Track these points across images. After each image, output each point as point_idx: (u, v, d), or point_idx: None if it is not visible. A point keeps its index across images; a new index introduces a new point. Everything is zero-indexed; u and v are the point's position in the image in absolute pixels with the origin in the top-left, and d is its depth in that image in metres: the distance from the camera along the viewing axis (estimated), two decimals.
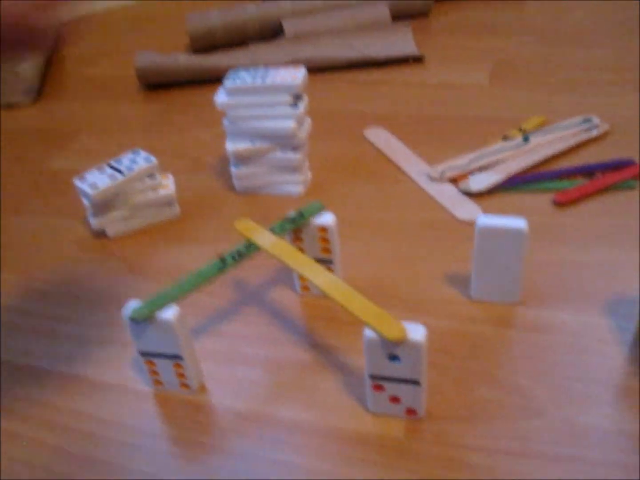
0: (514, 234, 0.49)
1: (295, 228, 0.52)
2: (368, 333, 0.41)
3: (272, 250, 0.49)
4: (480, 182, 0.66)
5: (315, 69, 0.94)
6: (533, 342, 0.50)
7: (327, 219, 0.52)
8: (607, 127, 0.73)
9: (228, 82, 0.64)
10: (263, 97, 0.64)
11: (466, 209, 0.64)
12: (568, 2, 1.07)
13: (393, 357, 0.42)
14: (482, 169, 0.69)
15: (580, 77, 0.85)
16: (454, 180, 0.68)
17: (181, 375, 0.48)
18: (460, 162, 0.70)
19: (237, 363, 0.52)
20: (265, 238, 0.50)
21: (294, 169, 0.68)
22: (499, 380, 0.48)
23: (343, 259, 0.56)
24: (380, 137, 0.77)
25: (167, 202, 0.68)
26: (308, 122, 0.68)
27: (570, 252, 0.58)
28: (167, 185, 0.67)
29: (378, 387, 0.44)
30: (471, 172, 0.68)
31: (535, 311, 0.53)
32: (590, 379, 0.47)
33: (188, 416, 0.48)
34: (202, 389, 0.50)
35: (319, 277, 0.46)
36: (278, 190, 0.70)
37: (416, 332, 0.41)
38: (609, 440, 0.43)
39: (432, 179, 0.69)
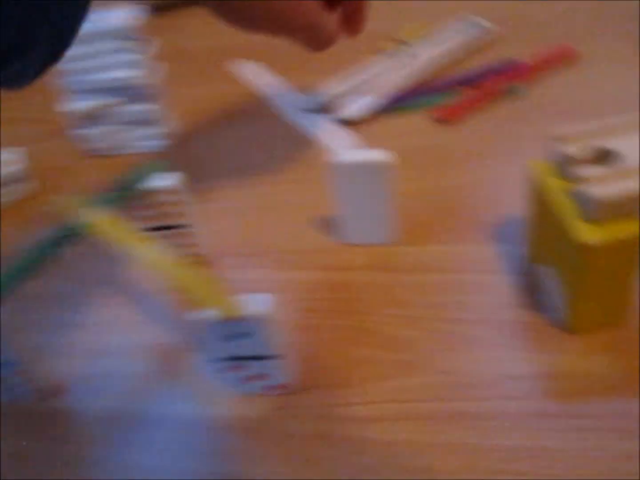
0: (377, 168, 0.43)
1: (131, 196, 0.45)
2: (204, 313, 0.36)
3: (99, 228, 0.42)
4: (358, 107, 0.60)
5: (171, 5, 0.85)
6: (413, 285, 0.45)
7: (168, 180, 0.45)
8: (496, 30, 0.67)
9: None
10: (99, 44, 0.56)
11: (346, 143, 0.57)
12: None
13: (240, 335, 0.36)
14: (362, 91, 0.62)
15: None
16: (331, 109, 0.61)
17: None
18: (338, 87, 0.63)
19: (96, 355, 0.46)
20: (92, 215, 0.43)
21: (150, 122, 0.60)
22: (376, 335, 0.43)
23: (205, 219, 0.49)
24: (251, 71, 0.70)
25: (17, 179, 0.60)
26: (159, 67, 0.60)
27: (453, 176, 0.53)
28: (14, 160, 0.59)
29: (235, 368, 0.39)
30: (349, 97, 0.62)
31: (415, 249, 0.47)
32: (474, 319, 0.42)
33: (38, 425, 0.42)
34: (58, 389, 0.44)
35: (146, 254, 0.39)
36: (139, 147, 0.62)
37: (260, 304, 0.35)
38: (499, 387, 0.39)
39: (309, 110, 0.62)
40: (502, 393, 0.38)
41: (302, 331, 0.43)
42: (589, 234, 0.35)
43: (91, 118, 0.60)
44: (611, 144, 0.38)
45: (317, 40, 0.46)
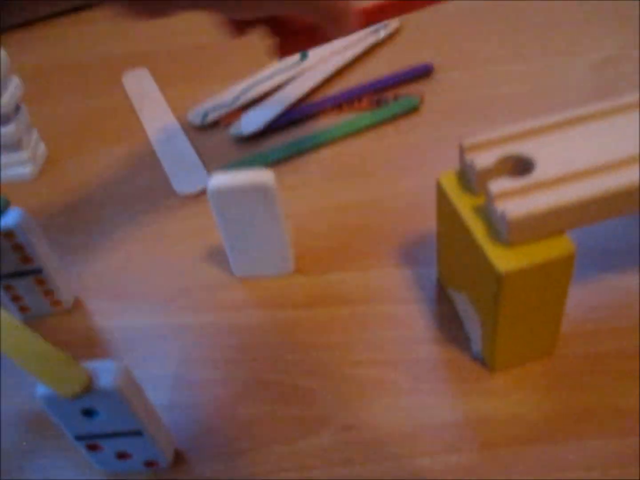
0: (259, 191, 0.36)
1: None
2: (41, 389, 0.28)
3: None
4: (252, 121, 0.53)
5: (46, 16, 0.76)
6: (313, 323, 0.39)
7: (10, 220, 0.37)
8: (396, 25, 0.61)
9: None
10: None
11: (189, 179, 0.50)
12: None
13: (88, 412, 0.29)
14: (253, 103, 0.55)
15: None
16: (222, 124, 0.55)
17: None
18: (227, 97, 0.56)
19: None
20: None
21: (12, 146, 0.52)
22: (270, 387, 0.36)
23: (78, 256, 0.42)
24: (138, 82, 0.62)
25: None
26: (14, 83, 0.52)
27: (350, 191, 0.46)
28: None
29: (94, 447, 0.32)
30: (243, 109, 0.55)
31: (313, 279, 0.41)
32: (383, 360, 0.36)
33: None
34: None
35: None
36: (4, 176, 0.54)
37: (107, 374, 0.28)
38: (414, 442, 0.33)
39: (193, 125, 0.55)
40: (419, 448, 0.32)
41: (185, 387, 0.37)
42: (503, 258, 0.30)
43: None
44: (526, 150, 0.32)
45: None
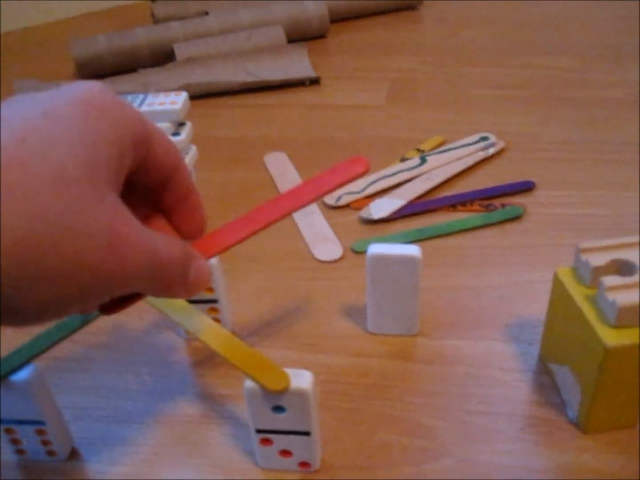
0: (407, 262, 0.46)
1: None
2: (248, 384, 0.37)
3: None
4: (381, 208, 0.63)
5: (209, 94, 0.90)
6: (434, 376, 0.47)
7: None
8: (503, 145, 0.72)
9: None
10: None
11: (326, 248, 0.60)
12: (462, 23, 1.08)
13: (278, 408, 0.38)
14: (380, 193, 0.66)
15: (475, 96, 0.85)
16: (352, 207, 0.65)
17: (46, 442, 0.43)
18: (357, 186, 0.67)
19: (113, 421, 0.46)
20: None
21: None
22: (399, 421, 0.44)
23: (230, 297, 0.51)
24: (277, 162, 0.74)
25: None
26: (193, 150, 0.63)
27: (468, 278, 0.56)
28: None
29: (266, 441, 0.40)
30: (371, 197, 0.65)
31: (434, 342, 0.50)
32: (493, 412, 0.44)
33: None
34: (74, 454, 0.44)
35: (194, 322, 0.41)
36: None
37: (301, 379, 0.37)
38: (514, 478, 0.40)
39: (328, 205, 0.65)
40: None
41: (326, 412, 0.45)
42: (610, 337, 0.38)
43: None
44: (629, 256, 0.41)
45: (173, 279, 0.31)
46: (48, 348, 0.41)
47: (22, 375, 0.39)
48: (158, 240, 0.29)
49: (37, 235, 0.24)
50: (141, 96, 0.61)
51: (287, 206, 0.37)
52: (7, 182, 0.23)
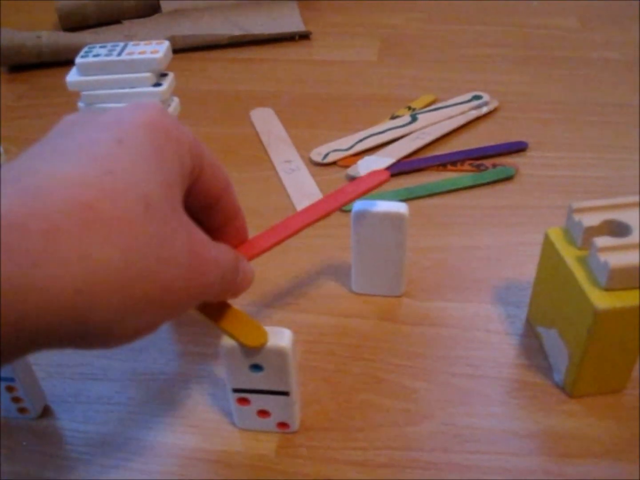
0: (393, 219, 0.44)
1: None
2: (225, 341, 0.36)
3: None
4: (369, 166, 0.61)
5: (195, 47, 0.87)
6: (419, 338, 0.46)
7: None
8: (496, 104, 0.70)
9: (80, 59, 0.57)
10: (121, 74, 0.57)
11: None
12: None
13: (255, 367, 0.36)
14: (369, 151, 0.64)
15: (468, 55, 0.82)
16: (339, 164, 0.63)
17: (16, 399, 0.41)
18: (344, 143, 0.65)
19: (87, 378, 0.45)
20: None
21: None
22: (381, 383, 0.43)
23: None
24: (264, 118, 0.71)
25: None
26: (176, 102, 0.61)
27: (456, 239, 0.54)
28: None
29: (243, 401, 0.39)
30: (359, 155, 0.64)
31: (420, 303, 0.48)
32: (479, 375, 0.43)
33: (29, 447, 0.41)
34: (46, 411, 0.43)
35: None
36: None
37: (280, 337, 0.36)
38: (500, 443, 0.39)
39: (314, 162, 0.63)
40: (502, 449, 0.39)
41: (307, 372, 0.44)
42: (601, 299, 0.37)
43: None
44: (623, 217, 0.40)
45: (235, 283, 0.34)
46: None
47: None
48: (220, 251, 0.31)
49: (133, 267, 0.25)
50: (121, 44, 0.58)
51: (316, 214, 0.42)
52: (103, 216, 0.24)
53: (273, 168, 0.64)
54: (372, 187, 0.43)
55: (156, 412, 0.42)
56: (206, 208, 0.33)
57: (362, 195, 0.43)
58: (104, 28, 0.92)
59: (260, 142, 0.68)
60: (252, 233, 0.55)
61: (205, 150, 0.31)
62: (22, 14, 1.04)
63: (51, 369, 0.45)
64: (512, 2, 0.96)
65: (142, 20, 0.93)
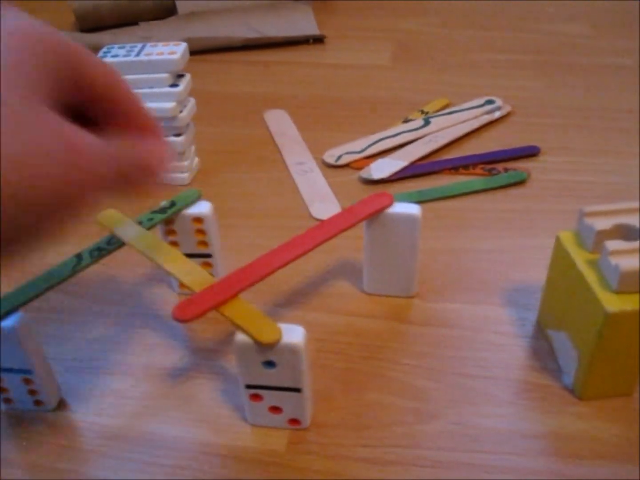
0: (407, 220, 0.45)
1: (167, 219, 0.46)
2: (239, 337, 0.36)
3: (137, 244, 0.43)
4: (382, 168, 0.62)
5: (211, 49, 0.88)
6: (429, 338, 0.46)
7: (203, 208, 0.47)
8: (508, 109, 0.71)
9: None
10: (138, 74, 0.58)
11: (324, 207, 0.59)
12: None
13: (268, 363, 0.37)
14: (382, 154, 0.65)
15: (482, 60, 0.83)
16: (351, 167, 0.64)
17: (33, 391, 0.42)
18: (357, 146, 0.65)
19: (102, 373, 0.46)
20: (129, 231, 0.44)
21: (177, 154, 0.62)
22: (392, 382, 0.43)
23: (224, 253, 0.50)
24: (278, 120, 0.72)
25: None
26: (192, 103, 0.62)
27: (468, 241, 0.55)
28: None
29: (256, 397, 0.39)
30: (372, 158, 0.64)
31: (431, 304, 0.49)
32: (488, 376, 0.44)
33: (42, 438, 0.42)
34: (61, 404, 0.44)
35: (187, 273, 0.40)
36: (165, 178, 0.63)
37: (293, 334, 0.36)
38: (508, 443, 0.40)
39: (327, 164, 0.64)
40: (510, 449, 0.39)
41: (318, 370, 0.44)
42: (611, 302, 0.37)
43: None
44: (634, 222, 0.40)
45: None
46: (36, 297, 0.41)
47: (8, 322, 0.39)
48: (102, 140, 0.28)
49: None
50: (139, 45, 0.59)
51: (324, 234, 0.44)
52: None
53: (286, 169, 0.64)
54: (377, 211, 0.44)
55: (169, 407, 0.43)
56: (97, 101, 0.31)
57: (368, 217, 0.45)
58: (120, 29, 0.93)
59: (274, 143, 0.68)
60: (264, 234, 0.56)
61: (79, 51, 0.30)
62: (38, 13, 1.05)
63: (66, 363, 0.46)
64: (526, 7, 0.96)
65: (158, 22, 0.94)
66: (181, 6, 0.94)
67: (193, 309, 0.37)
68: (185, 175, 0.63)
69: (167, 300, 0.51)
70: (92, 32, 0.93)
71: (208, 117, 0.72)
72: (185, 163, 0.63)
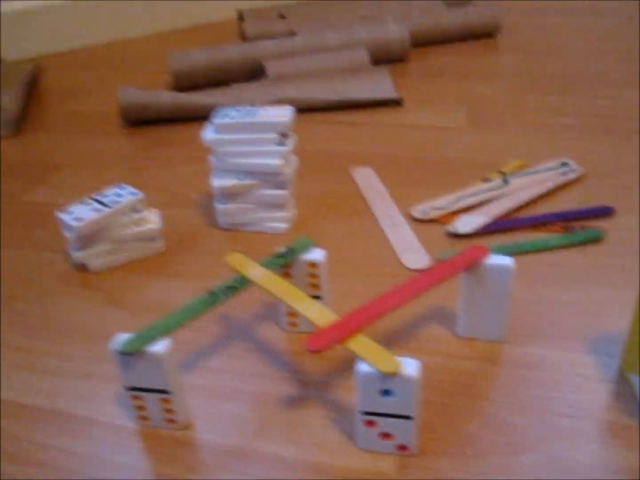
0: (501, 271, 0.50)
1: (284, 264, 0.52)
2: (361, 367, 0.42)
3: (266, 284, 0.49)
4: (467, 223, 0.67)
5: (297, 110, 0.95)
6: (520, 379, 0.51)
7: (316, 255, 0.53)
8: (582, 171, 0.75)
9: (216, 119, 0.65)
10: (251, 134, 0.65)
11: (415, 257, 0.64)
12: (538, 52, 1.12)
13: (386, 392, 0.42)
14: (465, 210, 0.70)
15: (554, 123, 0.88)
16: (437, 221, 0.69)
17: (168, 410, 0.48)
18: (442, 202, 0.71)
19: (223, 398, 0.51)
20: (257, 272, 0.50)
21: (279, 205, 0.68)
22: (488, 417, 0.48)
23: (329, 296, 0.56)
24: (365, 176, 0.78)
25: (151, 237, 0.68)
26: (294, 160, 0.69)
27: (552, 292, 0.59)
28: (153, 220, 0.67)
29: (369, 423, 0.44)
30: (456, 213, 0.70)
31: (520, 348, 0.53)
32: (576, 415, 0.48)
33: (173, 452, 0.47)
34: (188, 424, 0.49)
35: (314, 310, 0.46)
36: (262, 226, 0.70)
37: (410, 366, 0.41)
38: (596, 476, 0.43)
39: (414, 218, 0.70)
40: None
41: (423, 404, 0.49)
42: None
43: (229, 195, 0.68)
44: None
45: None
46: (177, 327, 0.46)
47: (156, 348, 0.45)
48: None
49: None
50: (249, 108, 0.67)
51: (430, 281, 0.48)
52: None
53: (375, 222, 0.70)
54: (474, 261, 0.49)
55: (282, 430, 0.48)
56: None
57: (467, 267, 0.50)
58: (215, 90, 1.02)
59: (362, 198, 0.75)
60: (361, 281, 0.61)
61: None
62: (138, 75, 1.15)
63: (192, 389, 0.52)
64: (593, 73, 1.02)
65: (249, 84, 1.02)
66: (270, 69, 1.02)
67: (323, 341, 0.43)
68: (283, 225, 0.69)
69: (277, 336, 0.56)
70: (187, 91, 1.01)
71: (300, 172, 0.78)
72: (286, 214, 0.69)
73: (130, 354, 0.44)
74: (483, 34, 1.19)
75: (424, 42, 1.17)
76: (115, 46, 1.29)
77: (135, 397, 0.48)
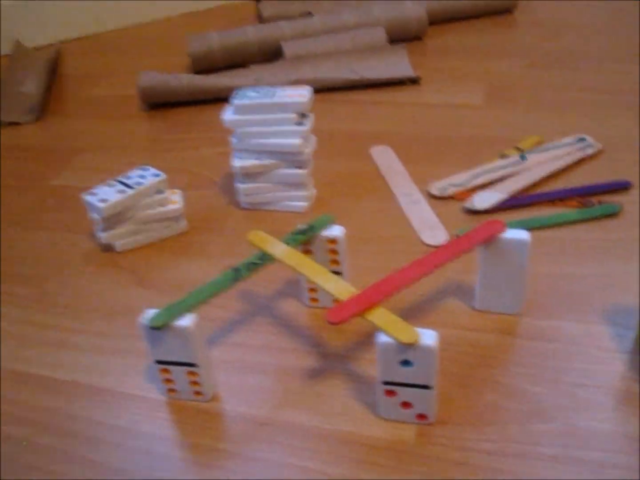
0: (517, 244, 0.51)
1: (305, 240, 0.54)
2: (381, 337, 0.43)
3: (287, 260, 0.50)
4: (484, 200, 0.68)
5: (315, 90, 0.96)
6: (537, 350, 0.52)
7: (336, 231, 0.54)
8: (600, 147, 0.76)
9: (236, 100, 0.66)
10: (270, 114, 0.66)
11: (433, 234, 0.65)
12: (556, 27, 1.11)
13: (405, 362, 0.43)
14: (482, 187, 0.71)
15: (571, 98, 0.88)
16: (455, 198, 0.70)
17: (195, 383, 0.49)
18: (460, 179, 0.72)
19: (247, 372, 0.53)
20: (279, 249, 0.51)
21: (299, 185, 0.70)
22: (506, 387, 0.49)
23: (349, 272, 0.57)
24: (383, 155, 0.79)
25: (175, 217, 0.69)
26: (313, 139, 0.70)
27: (566, 267, 0.60)
28: (176, 200, 0.69)
29: (390, 393, 0.46)
30: (473, 190, 0.70)
31: (537, 321, 0.54)
32: (592, 385, 0.49)
33: (202, 423, 0.49)
34: (215, 397, 0.51)
35: (334, 285, 0.47)
36: (283, 206, 0.71)
37: (428, 336, 0.42)
38: (612, 442, 0.45)
39: (432, 196, 0.71)
40: (618, 448, 0.44)
41: (442, 375, 0.50)
42: None
43: (250, 175, 0.69)
44: None
45: None
46: (203, 302, 0.48)
47: (183, 322, 0.46)
48: None
49: None
50: (269, 88, 0.68)
51: (448, 255, 0.49)
52: None
53: (394, 200, 0.71)
54: (490, 236, 0.50)
55: (306, 401, 0.50)
56: None
57: (482, 242, 0.51)
58: (234, 71, 1.03)
59: (381, 176, 0.76)
60: (380, 257, 0.63)
61: None
62: (157, 57, 1.16)
63: (217, 364, 0.53)
64: (612, 48, 1.01)
65: (267, 65, 1.03)
66: (288, 50, 1.03)
67: (343, 314, 0.44)
68: (303, 204, 0.71)
69: (298, 311, 0.58)
70: (206, 73, 1.03)
71: (320, 152, 0.79)
72: (305, 193, 0.70)
73: (159, 329, 0.46)
74: (500, 11, 1.18)
75: (441, 19, 1.17)
76: (133, 31, 1.31)
77: (164, 371, 0.49)
